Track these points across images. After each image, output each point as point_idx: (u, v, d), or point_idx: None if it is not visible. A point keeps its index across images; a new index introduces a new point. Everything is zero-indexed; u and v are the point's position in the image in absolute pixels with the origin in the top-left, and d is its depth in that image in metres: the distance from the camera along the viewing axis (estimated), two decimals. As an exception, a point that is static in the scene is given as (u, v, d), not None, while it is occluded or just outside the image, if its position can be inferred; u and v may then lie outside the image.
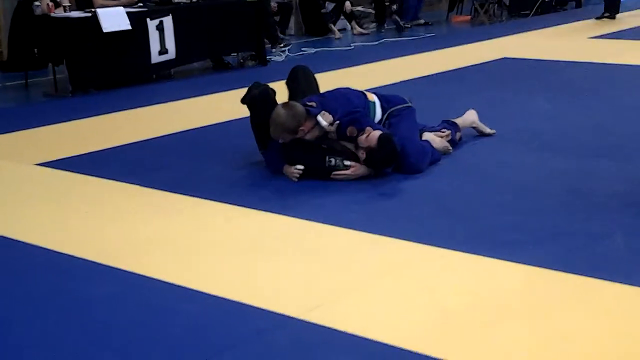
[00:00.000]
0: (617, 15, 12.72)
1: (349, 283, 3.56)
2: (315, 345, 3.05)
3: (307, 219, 4.32)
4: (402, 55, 9.87)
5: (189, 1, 9.00)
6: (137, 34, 8.22)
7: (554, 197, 4.55)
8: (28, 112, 7.52)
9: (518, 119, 6.38)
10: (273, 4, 11.30)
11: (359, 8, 13.27)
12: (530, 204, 4.46)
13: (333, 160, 4.93)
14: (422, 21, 13.05)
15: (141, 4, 8.76)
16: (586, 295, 3.38)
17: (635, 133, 5.85)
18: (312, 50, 10.70)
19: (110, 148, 5.94)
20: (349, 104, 5.09)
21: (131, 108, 7.32)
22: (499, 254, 3.76)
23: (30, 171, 5.46)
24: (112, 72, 8.23)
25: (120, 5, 8.41)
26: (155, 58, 8.44)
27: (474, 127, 5.79)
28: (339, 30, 12.27)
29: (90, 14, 8.03)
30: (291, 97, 5.36)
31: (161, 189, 4.91)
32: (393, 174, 5.01)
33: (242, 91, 5.40)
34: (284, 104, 4.96)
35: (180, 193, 4.82)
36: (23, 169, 5.54)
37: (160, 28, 8.43)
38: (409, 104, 5.35)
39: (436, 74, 8.55)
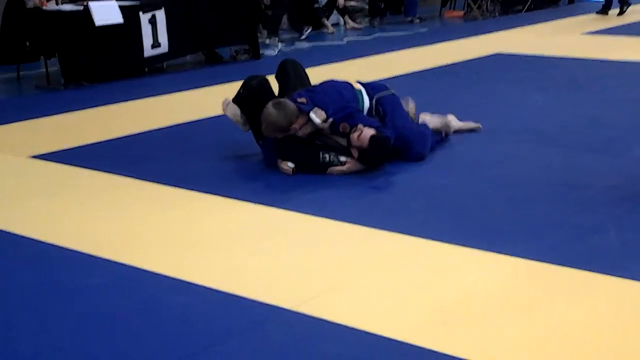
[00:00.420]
0: (610, 12, 12.77)
1: (342, 275, 3.57)
2: (308, 337, 3.05)
3: (300, 212, 4.32)
4: (394, 50, 9.88)
5: (181, -6, 8.99)
6: (129, 27, 8.19)
7: (547, 191, 4.56)
8: (20, 105, 7.49)
9: (511, 114, 6.39)
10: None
11: (352, 3, 13.27)
12: (524, 198, 4.47)
13: (327, 156, 4.93)
14: (409, 19, 13.06)
15: (133, -3, 8.74)
16: (579, 288, 3.39)
17: (628, 127, 5.88)
18: (305, 45, 10.69)
19: (103, 141, 5.93)
20: (340, 98, 5.08)
21: (124, 101, 7.31)
22: (492, 247, 3.76)
23: (23, 163, 5.45)
24: (105, 66, 8.20)
25: (112, -1, 8.39)
26: (148, 51, 8.43)
27: (456, 131, 5.70)
28: (332, 24, 12.27)
29: (82, 7, 8.00)
30: (281, 91, 5.35)
31: (154, 182, 4.90)
32: (387, 167, 5.01)
33: (235, 84, 5.41)
34: (275, 103, 4.93)
35: (173, 186, 4.82)
36: (16, 161, 5.53)
37: (152, 21, 8.41)
38: (392, 91, 5.38)
39: (429, 69, 8.56)
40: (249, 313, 3.23)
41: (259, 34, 10.22)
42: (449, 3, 14.23)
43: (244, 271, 3.65)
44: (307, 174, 4.91)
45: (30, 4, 8.06)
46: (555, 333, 3.01)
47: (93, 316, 3.25)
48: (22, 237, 4.12)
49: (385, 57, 9.47)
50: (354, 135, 4.88)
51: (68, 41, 7.91)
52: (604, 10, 12.73)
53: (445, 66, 8.70)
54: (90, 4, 8.00)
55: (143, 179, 4.95)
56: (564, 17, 12.91)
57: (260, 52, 9.65)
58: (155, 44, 8.46)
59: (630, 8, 12.70)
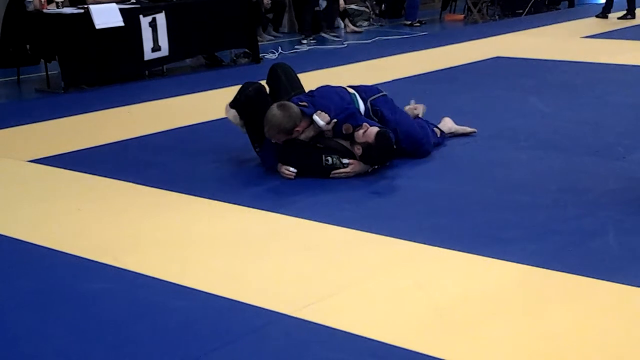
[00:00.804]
0: (610, 15, 12.77)
1: (342, 280, 3.57)
2: (308, 342, 3.05)
3: (300, 217, 4.32)
4: (395, 54, 9.89)
5: (181, -2, 9.00)
6: (129, 30, 8.20)
7: (547, 195, 4.56)
8: (20, 109, 7.49)
9: (511, 118, 6.40)
10: (266, 1, 11.30)
11: (353, 6, 13.29)
12: (524, 202, 4.46)
13: (330, 159, 4.92)
14: (409, 22, 13.07)
15: (134, 1, 8.74)
16: (578, 294, 3.39)
17: (628, 131, 5.88)
18: (305, 48, 10.70)
19: (103, 145, 5.93)
20: (341, 101, 5.10)
21: (124, 105, 7.31)
22: (491, 251, 3.76)
23: (22, 168, 5.45)
24: (105, 69, 8.21)
25: (112, 2, 8.39)
26: (148, 55, 8.43)
27: (452, 133, 5.74)
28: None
29: (82, 10, 8.01)
30: (274, 95, 5.33)
31: (154, 186, 4.90)
32: (386, 171, 5.01)
33: (235, 89, 5.39)
34: (279, 105, 4.92)
35: (173, 190, 4.81)
36: (15, 165, 5.53)
37: (153, 25, 8.42)
38: (384, 93, 5.41)
39: (429, 72, 8.56)
40: (249, 318, 3.23)
41: (258, 37, 10.23)
42: (449, 6, 14.24)
43: (244, 276, 3.65)
44: (307, 178, 4.91)
45: (30, 7, 8.06)
46: (555, 339, 3.01)
47: (94, 321, 3.25)
48: (22, 241, 4.12)
49: (385, 61, 9.48)
50: (359, 132, 4.88)
51: (68, 44, 7.91)
52: (604, 14, 12.74)
53: (445, 70, 8.70)
54: (91, 7, 8.01)
55: (143, 184, 4.95)
56: (564, 20, 12.92)
57: (260, 56, 9.66)
58: (156, 47, 8.46)
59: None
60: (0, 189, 5.02)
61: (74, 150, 5.79)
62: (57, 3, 8.11)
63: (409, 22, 12.94)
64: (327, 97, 5.11)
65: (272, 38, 11.55)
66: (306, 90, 5.37)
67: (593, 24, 12.24)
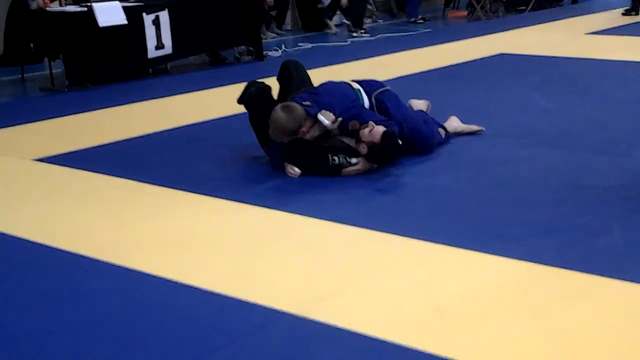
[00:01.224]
0: (614, 11, 12.74)
1: (345, 278, 3.57)
2: (311, 341, 3.05)
3: (304, 215, 4.32)
4: (398, 51, 9.87)
5: (185, -5, 9.00)
6: (133, 28, 8.20)
7: (551, 192, 4.56)
8: (24, 107, 7.50)
9: (514, 115, 6.39)
10: (269, -1, 11.31)
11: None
12: (527, 200, 4.46)
13: (337, 158, 4.91)
14: (411, 20, 13.06)
15: (137, -2, 8.75)
16: (582, 291, 3.38)
17: (631, 128, 5.87)
18: (309, 45, 10.70)
19: (107, 143, 5.94)
20: (345, 98, 5.10)
21: (128, 103, 7.32)
22: (494, 249, 3.76)
23: (27, 166, 5.46)
24: (109, 67, 8.21)
25: (116, 0, 8.39)
26: (152, 53, 8.43)
27: (458, 133, 5.72)
28: (335, 25, 12.28)
29: (86, 8, 8.01)
30: (284, 92, 5.34)
31: (158, 185, 4.90)
32: (390, 169, 5.01)
33: (239, 86, 5.40)
34: (283, 106, 4.91)
35: (177, 188, 4.82)
36: (19, 163, 5.53)
37: (156, 23, 8.42)
38: (387, 87, 5.41)
39: (432, 69, 8.55)
40: (252, 316, 3.24)
41: (262, 35, 10.23)
42: (452, 3, 14.22)
43: (247, 274, 3.65)
44: (311, 177, 4.91)
45: (33, 5, 8.07)
46: (558, 337, 3.01)
47: (96, 319, 3.26)
48: (26, 240, 4.13)
49: (389, 58, 9.47)
50: (365, 131, 4.88)
51: (72, 43, 7.91)
52: (635, 11, 12.49)
53: (448, 67, 8.69)
54: (94, 5, 8.01)
55: (146, 182, 4.95)
56: (567, 17, 12.89)
57: (264, 53, 9.66)
58: (159, 45, 8.47)
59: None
60: (4, 187, 5.03)
61: (78, 149, 5.79)
62: (60, 1, 8.13)
63: (412, 20, 12.95)
64: (331, 94, 5.10)
65: (276, 35, 11.56)
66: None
67: (597, 20, 12.21)
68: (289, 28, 12.46)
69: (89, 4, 8.08)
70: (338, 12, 12.58)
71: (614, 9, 13.15)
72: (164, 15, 8.48)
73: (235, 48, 9.68)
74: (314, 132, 4.96)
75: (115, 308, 3.36)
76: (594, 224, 4.07)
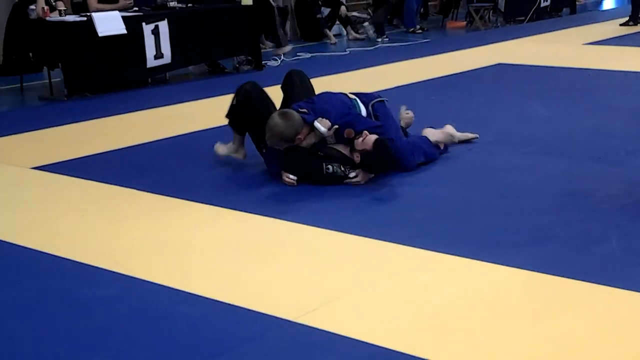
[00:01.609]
0: (612, 22, 12.77)
1: (343, 286, 3.57)
2: (309, 348, 3.05)
3: (301, 223, 4.32)
4: (397, 61, 9.90)
5: (184, 6, 9.02)
6: (132, 38, 8.22)
7: (549, 200, 4.56)
8: (23, 116, 7.51)
9: (513, 124, 6.40)
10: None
11: (355, 13, 13.32)
12: (525, 208, 4.46)
13: (331, 167, 4.92)
14: (410, 29, 13.10)
15: (137, 8, 8.77)
16: (580, 299, 3.38)
17: (629, 136, 5.88)
18: (308, 55, 10.72)
19: (106, 152, 5.94)
20: (342, 105, 5.10)
21: (127, 112, 7.33)
22: (493, 257, 3.76)
23: (26, 175, 5.46)
24: (108, 76, 8.23)
25: (115, 10, 8.41)
26: (151, 62, 8.45)
27: (454, 142, 5.67)
28: (334, 35, 12.31)
29: (85, 18, 8.03)
30: (287, 101, 5.36)
31: (156, 193, 4.90)
32: (388, 177, 5.01)
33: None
34: (281, 113, 4.93)
35: (176, 197, 4.82)
36: (18, 172, 5.54)
37: (155, 32, 8.44)
38: (382, 99, 5.39)
39: (431, 79, 8.56)
40: (250, 324, 3.23)
41: (261, 45, 10.25)
42: (451, 13, 14.26)
43: (245, 282, 3.65)
44: (308, 185, 4.92)
45: (33, 15, 8.09)
46: (557, 345, 3.00)
47: (95, 327, 3.25)
48: (26, 248, 4.12)
49: (387, 68, 9.49)
50: (358, 140, 4.88)
51: (71, 52, 7.93)
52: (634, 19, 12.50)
53: (447, 77, 8.71)
54: (94, 14, 8.03)
55: (145, 190, 4.96)
56: (566, 27, 12.93)
57: (263, 63, 9.67)
58: (158, 54, 8.49)
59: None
60: (2, 195, 5.03)
61: (77, 157, 5.80)
62: (59, 11, 8.14)
63: (411, 30, 12.98)
64: (327, 102, 5.11)
65: (274, 45, 11.54)
66: None
67: (595, 31, 12.24)
68: (288, 38, 12.45)
69: (88, 13, 8.10)
70: (337, 22, 12.62)
71: (613, 19, 13.19)
72: (163, 25, 8.50)
73: (234, 58, 9.70)
74: (311, 140, 4.96)
75: (112, 315, 3.36)
76: (592, 232, 4.07)
